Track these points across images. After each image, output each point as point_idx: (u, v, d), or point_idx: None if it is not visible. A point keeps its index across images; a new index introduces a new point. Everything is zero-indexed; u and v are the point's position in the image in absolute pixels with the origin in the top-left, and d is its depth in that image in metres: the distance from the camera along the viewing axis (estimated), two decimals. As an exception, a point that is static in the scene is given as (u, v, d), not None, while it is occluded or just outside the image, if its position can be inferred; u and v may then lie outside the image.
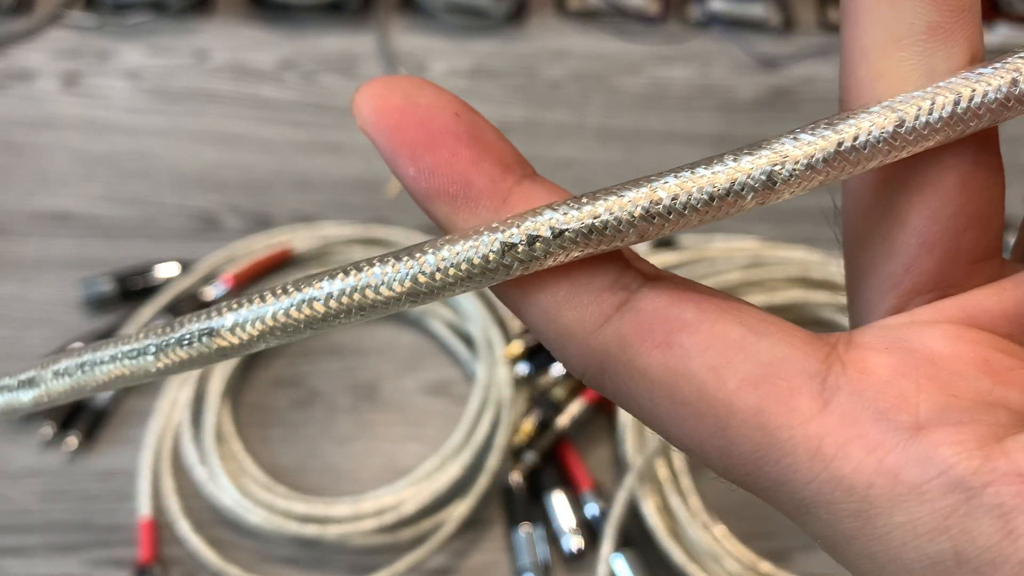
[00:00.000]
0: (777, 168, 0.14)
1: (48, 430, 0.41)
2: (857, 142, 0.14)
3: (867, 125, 0.14)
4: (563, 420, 0.42)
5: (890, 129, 0.14)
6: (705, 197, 0.14)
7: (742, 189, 0.14)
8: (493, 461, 0.41)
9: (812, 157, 0.14)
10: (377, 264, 0.14)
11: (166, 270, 0.46)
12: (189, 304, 0.44)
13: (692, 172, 0.14)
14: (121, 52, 0.57)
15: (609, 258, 0.15)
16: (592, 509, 0.40)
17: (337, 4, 0.59)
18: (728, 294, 0.15)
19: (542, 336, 0.15)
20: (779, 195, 0.14)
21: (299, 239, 0.47)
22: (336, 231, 0.48)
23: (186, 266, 0.46)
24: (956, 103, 0.14)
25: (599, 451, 0.43)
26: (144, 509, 0.40)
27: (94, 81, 0.55)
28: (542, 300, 0.15)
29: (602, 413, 0.43)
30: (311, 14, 0.59)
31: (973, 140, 0.15)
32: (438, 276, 0.14)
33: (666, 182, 0.14)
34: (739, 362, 0.14)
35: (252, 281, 0.46)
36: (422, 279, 0.14)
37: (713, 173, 0.14)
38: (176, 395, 0.42)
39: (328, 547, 0.39)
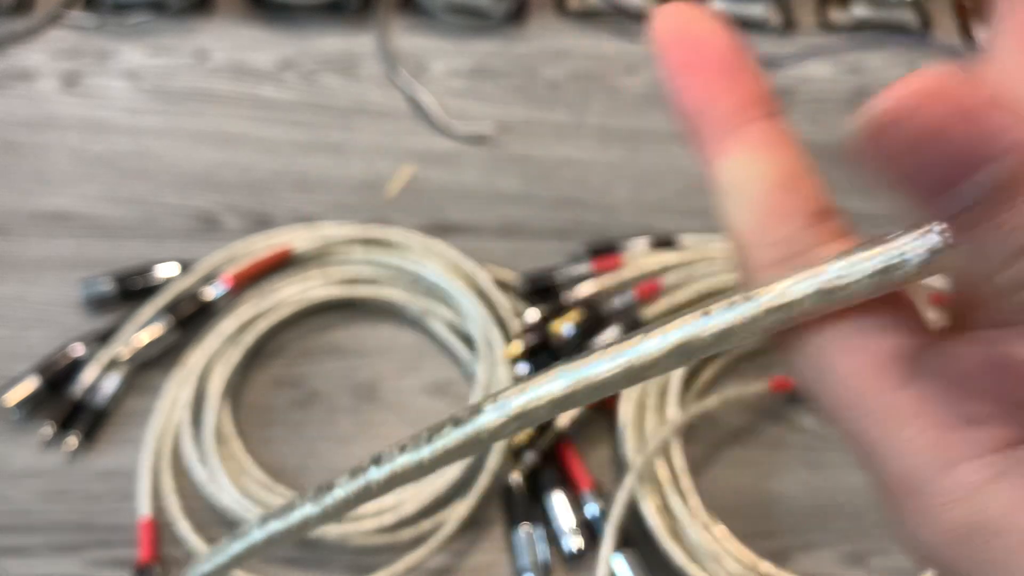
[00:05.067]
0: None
1: (48, 430, 0.41)
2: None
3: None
4: (563, 420, 0.42)
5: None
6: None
7: None
8: (493, 461, 0.41)
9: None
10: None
11: (166, 270, 0.46)
12: (189, 304, 0.44)
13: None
14: (121, 52, 0.57)
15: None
16: (592, 509, 0.40)
17: (337, 4, 0.59)
18: None
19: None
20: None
21: (299, 239, 0.47)
22: (336, 231, 0.48)
23: (186, 266, 0.46)
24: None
25: (599, 451, 0.43)
26: (144, 509, 0.40)
27: (94, 81, 0.55)
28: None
29: (602, 413, 0.43)
30: (311, 14, 0.59)
31: None
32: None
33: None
34: None
35: (252, 281, 0.46)
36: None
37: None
38: (176, 395, 0.42)
39: (328, 547, 0.39)
